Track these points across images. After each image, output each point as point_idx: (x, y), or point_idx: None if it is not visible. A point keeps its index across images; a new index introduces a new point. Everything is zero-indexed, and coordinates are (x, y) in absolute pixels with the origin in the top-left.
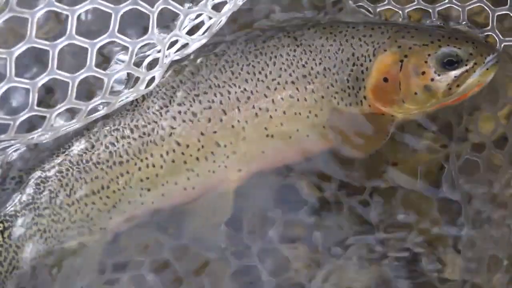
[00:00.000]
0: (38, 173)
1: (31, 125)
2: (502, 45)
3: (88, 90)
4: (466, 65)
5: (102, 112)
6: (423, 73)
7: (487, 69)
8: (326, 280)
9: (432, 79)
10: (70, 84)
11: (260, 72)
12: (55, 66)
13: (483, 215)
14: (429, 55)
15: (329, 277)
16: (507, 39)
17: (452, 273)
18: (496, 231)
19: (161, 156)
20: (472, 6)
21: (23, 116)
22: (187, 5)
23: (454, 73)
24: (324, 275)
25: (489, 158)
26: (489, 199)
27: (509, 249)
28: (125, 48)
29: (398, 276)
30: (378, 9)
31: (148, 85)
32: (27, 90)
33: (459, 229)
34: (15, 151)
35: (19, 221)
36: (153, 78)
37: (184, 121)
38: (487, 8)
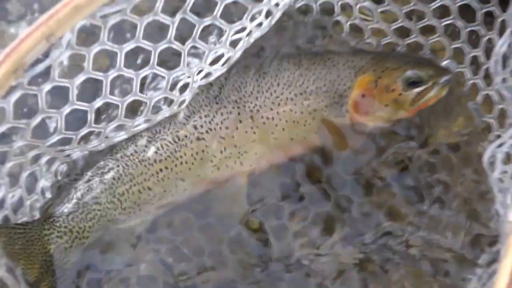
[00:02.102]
0: (96, 170)
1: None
2: (456, 71)
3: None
4: (426, 84)
5: (144, 125)
6: (393, 90)
7: (442, 87)
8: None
9: (400, 94)
10: (120, 107)
11: (267, 90)
12: (108, 92)
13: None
14: (397, 77)
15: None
16: (460, 66)
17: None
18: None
19: (192, 156)
20: (433, 40)
21: (83, 131)
22: (211, 40)
23: (417, 90)
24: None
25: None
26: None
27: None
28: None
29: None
30: (360, 42)
31: (180, 105)
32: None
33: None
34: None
35: (82, 207)
36: (184, 100)
37: (210, 128)
38: (445, 42)
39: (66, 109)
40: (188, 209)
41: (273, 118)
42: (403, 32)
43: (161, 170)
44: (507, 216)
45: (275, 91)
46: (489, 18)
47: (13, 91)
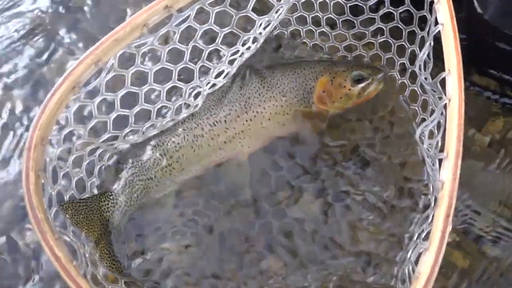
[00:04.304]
0: (137, 157)
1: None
2: (389, 74)
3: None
4: (367, 80)
5: (170, 123)
6: (344, 86)
7: (379, 82)
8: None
9: (350, 89)
10: (152, 111)
11: (256, 92)
12: (143, 101)
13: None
14: (346, 76)
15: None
16: (391, 71)
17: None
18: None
19: (205, 142)
20: (372, 53)
21: (126, 130)
22: (215, 61)
23: (361, 85)
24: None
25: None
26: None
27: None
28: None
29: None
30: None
31: (195, 108)
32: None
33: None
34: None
35: (128, 183)
36: (197, 104)
37: (218, 121)
38: (380, 54)
39: (113, 115)
40: (204, 180)
41: (261, 112)
42: (350, 48)
43: (182, 155)
44: (436, 176)
45: (261, 92)
46: (411, 35)
47: (72, 103)
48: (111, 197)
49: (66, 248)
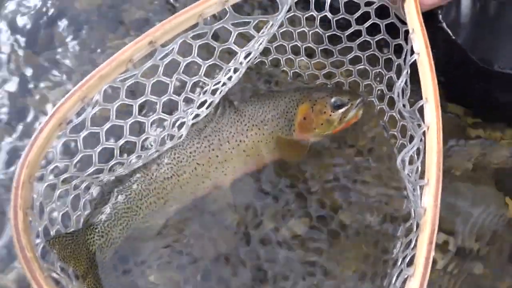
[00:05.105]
0: (122, 189)
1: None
2: (367, 99)
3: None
4: (347, 106)
5: (155, 155)
6: (324, 112)
7: (359, 107)
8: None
9: (330, 115)
10: (137, 143)
11: (238, 121)
12: (128, 133)
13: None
14: (326, 102)
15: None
16: (370, 97)
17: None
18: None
19: (189, 172)
20: (350, 79)
21: (112, 163)
22: (198, 91)
23: (341, 111)
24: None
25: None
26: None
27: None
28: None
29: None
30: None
31: (179, 138)
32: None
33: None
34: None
35: (114, 216)
36: (182, 135)
37: (201, 151)
38: (359, 81)
39: (98, 148)
40: (189, 211)
41: (244, 140)
42: (330, 75)
43: (166, 186)
44: (418, 202)
45: (243, 121)
46: (388, 63)
47: (59, 139)
48: (97, 230)
49: (55, 286)
